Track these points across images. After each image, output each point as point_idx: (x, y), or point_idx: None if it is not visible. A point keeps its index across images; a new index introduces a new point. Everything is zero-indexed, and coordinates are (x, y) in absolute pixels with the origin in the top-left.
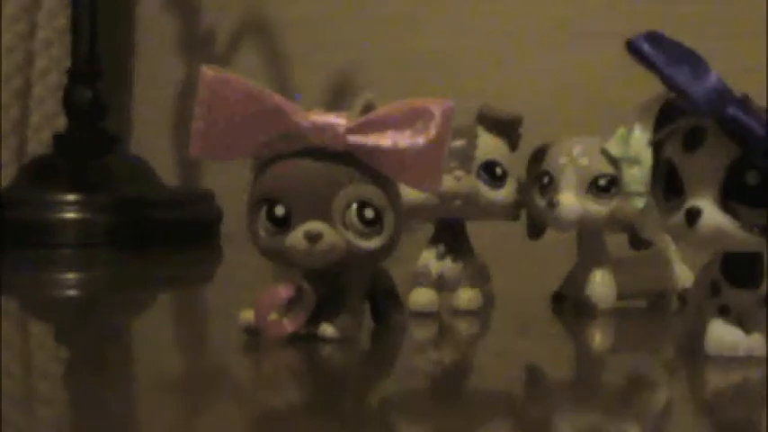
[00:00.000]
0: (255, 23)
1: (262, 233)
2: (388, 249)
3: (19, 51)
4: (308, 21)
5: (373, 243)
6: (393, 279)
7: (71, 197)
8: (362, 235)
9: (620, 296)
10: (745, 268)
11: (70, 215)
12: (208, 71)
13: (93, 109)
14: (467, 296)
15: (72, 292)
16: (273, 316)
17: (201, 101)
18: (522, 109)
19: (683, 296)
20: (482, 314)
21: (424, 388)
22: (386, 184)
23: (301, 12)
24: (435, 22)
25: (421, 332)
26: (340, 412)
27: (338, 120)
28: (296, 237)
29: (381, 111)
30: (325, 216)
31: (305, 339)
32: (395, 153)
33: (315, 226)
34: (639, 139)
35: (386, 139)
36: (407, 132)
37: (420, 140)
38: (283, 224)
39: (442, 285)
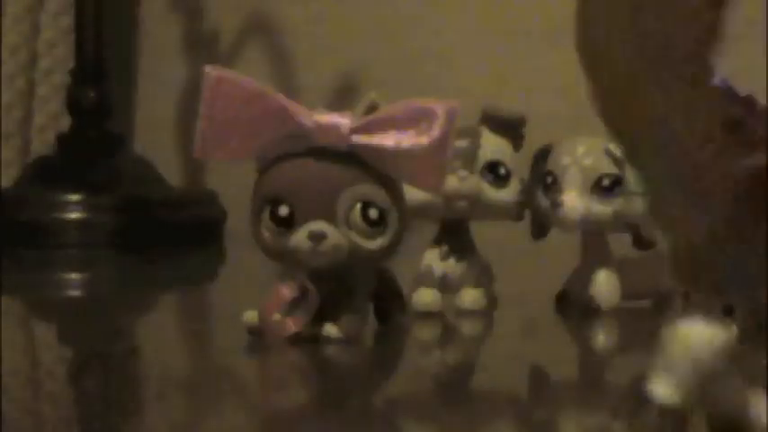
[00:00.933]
0: (259, 24)
1: (266, 233)
2: (391, 249)
3: (23, 51)
4: (311, 21)
5: (377, 243)
6: (396, 279)
7: (75, 197)
8: (366, 235)
9: (624, 296)
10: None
11: (74, 215)
12: (212, 71)
13: (98, 109)
14: (470, 296)
15: (76, 293)
16: (277, 316)
17: (206, 101)
18: (526, 109)
19: (686, 296)
20: (486, 314)
21: (427, 388)
22: (389, 183)
23: (305, 12)
24: (439, 23)
25: (424, 332)
26: (344, 412)
27: (342, 120)
28: (300, 237)
29: (385, 111)
30: (330, 216)
31: (309, 340)
32: (399, 153)
33: (319, 226)
34: None
35: (390, 139)
36: (411, 132)
37: (424, 140)
38: (287, 224)
39: (445, 285)
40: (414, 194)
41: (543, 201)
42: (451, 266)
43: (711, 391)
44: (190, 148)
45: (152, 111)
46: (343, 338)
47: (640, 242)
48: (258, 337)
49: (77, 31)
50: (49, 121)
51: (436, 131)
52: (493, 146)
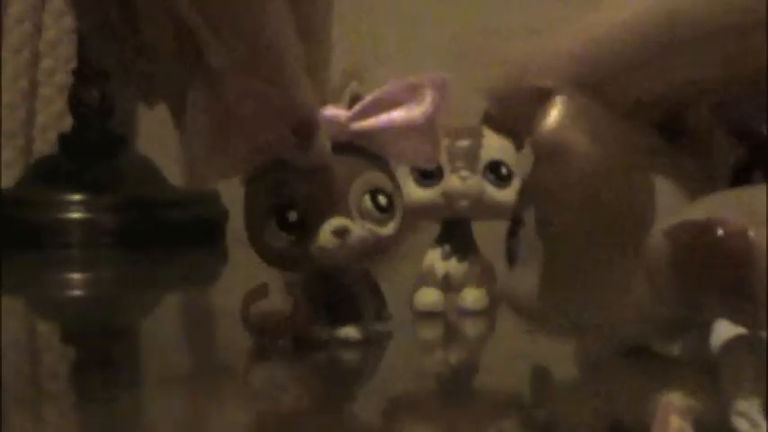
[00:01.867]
0: None
1: (276, 243)
2: (401, 234)
3: (25, 51)
4: None
5: (389, 229)
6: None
7: (77, 197)
8: (379, 222)
9: None
10: None
11: (76, 215)
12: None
13: (100, 109)
14: (473, 296)
15: (78, 293)
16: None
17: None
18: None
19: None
20: (488, 314)
21: (430, 388)
22: (387, 167)
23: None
24: (440, 23)
25: (426, 332)
26: (346, 412)
27: (338, 111)
28: (324, 236)
29: (376, 93)
30: (344, 210)
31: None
32: (397, 131)
33: (339, 222)
34: None
35: (386, 120)
36: (404, 109)
37: (418, 114)
38: (300, 229)
39: (447, 285)
40: (415, 194)
41: None
42: (453, 266)
43: None
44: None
45: (154, 111)
46: (362, 340)
47: None
48: (260, 338)
49: (80, 30)
50: (52, 121)
51: (429, 105)
52: (495, 146)
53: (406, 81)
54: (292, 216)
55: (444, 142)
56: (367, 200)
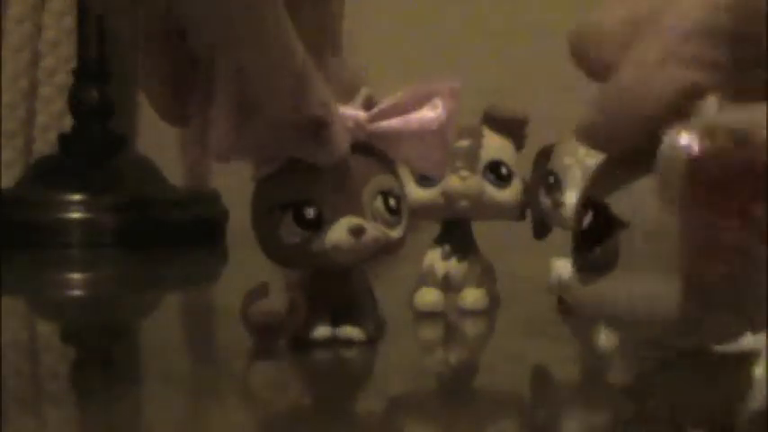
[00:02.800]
0: None
1: (289, 239)
2: (406, 237)
3: (25, 51)
4: None
5: (398, 231)
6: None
7: (77, 197)
8: (389, 224)
9: None
10: None
11: (76, 215)
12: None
13: (100, 109)
14: (473, 296)
15: (78, 293)
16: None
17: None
18: (528, 109)
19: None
20: (488, 314)
21: (430, 388)
22: (396, 170)
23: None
24: (441, 21)
25: (427, 332)
26: (347, 413)
27: (357, 112)
28: (339, 234)
29: (394, 98)
30: (359, 210)
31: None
32: (410, 137)
33: (355, 221)
34: None
35: (403, 123)
36: (418, 115)
37: (432, 121)
38: (315, 226)
39: (447, 285)
40: (415, 194)
41: (545, 201)
42: (453, 266)
43: None
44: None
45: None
46: (366, 340)
47: None
48: (258, 338)
49: (80, 30)
50: (52, 121)
51: (442, 111)
52: (495, 146)
53: (420, 87)
54: (309, 213)
55: None
56: (379, 201)
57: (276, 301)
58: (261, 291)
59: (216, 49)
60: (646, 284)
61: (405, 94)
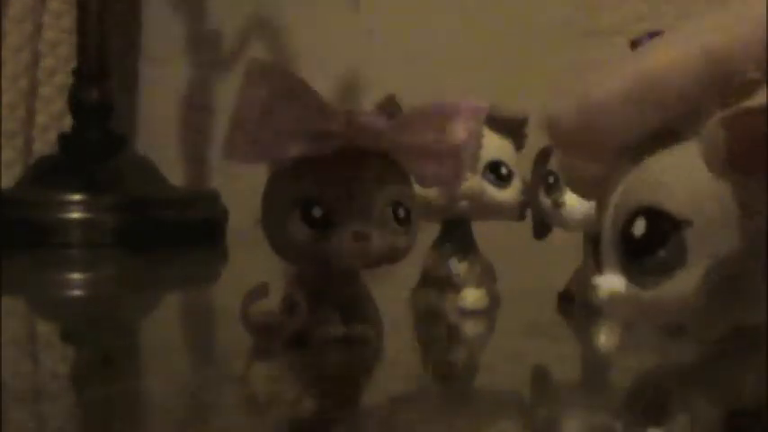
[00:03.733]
0: (261, 24)
1: (295, 237)
2: (411, 246)
3: (25, 51)
4: (313, 20)
5: (404, 241)
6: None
7: (77, 197)
8: (395, 233)
9: None
10: None
11: (76, 215)
12: (254, 59)
13: (100, 109)
14: (473, 296)
15: (78, 293)
16: (261, 319)
17: (243, 91)
18: (528, 109)
19: None
20: (488, 314)
21: (431, 389)
22: (409, 181)
23: (307, 11)
24: (441, 22)
25: (427, 332)
26: (346, 413)
27: (378, 119)
28: (344, 238)
29: (417, 110)
30: (367, 216)
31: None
32: (428, 151)
33: (362, 228)
34: None
35: (422, 138)
36: (441, 131)
37: (452, 139)
38: (323, 225)
39: (447, 285)
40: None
41: (545, 200)
42: (453, 266)
43: None
44: (192, 148)
45: (154, 111)
46: (375, 339)
47: None
48: (258, 338)
49: (80, 31)
50: (52, 121)
51: (464, 132)
52: (495, 146)
53: (446, 104)
54: (317, 212)
55: None
56: (388, 211)
57: (276, 302)
58: (261, 291)
59: None
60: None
61: (429, 108)
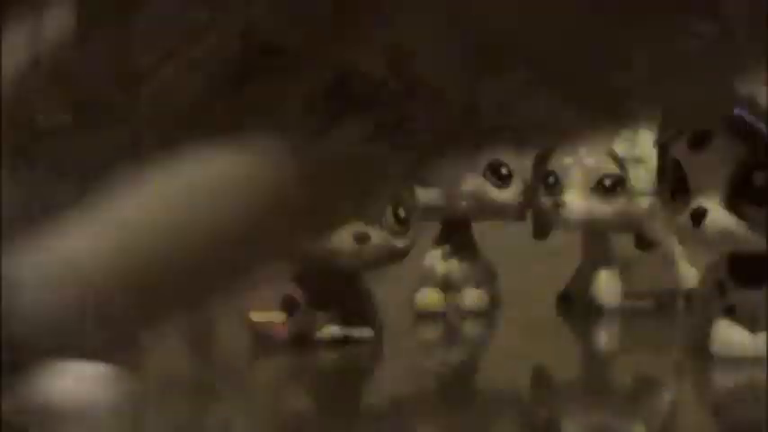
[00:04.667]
0: None
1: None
2: (411, 248)
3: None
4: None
5: (404, 242)
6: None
7: None
8: (396, 234)
9: (626, 296)
10: (752, 268)
11: None
12: None
13: None
14: (473, 296)
15: None
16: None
17: None
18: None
19: (689, 296)
20: (488, 314)
21: (431, 387)
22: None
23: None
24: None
25: (427, 332)
26: (347, 412)
27: None
28: (343, 238)
29: None
30: (367, 217)
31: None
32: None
33: (362, 227)
34: (645, 140)
35: None
36: None
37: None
38: None
39: (447, 285)
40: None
41: (545, 201)
42: (454, 266)
43: None
44: None
45: None
46: (374, 338)
47: (642, 242)
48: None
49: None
50: None
51: None
52: None
53: None
54: None
55: None
56: (390, 211)
57: (277, 302)
58: (262, 291)
59: None
60: None
61: None
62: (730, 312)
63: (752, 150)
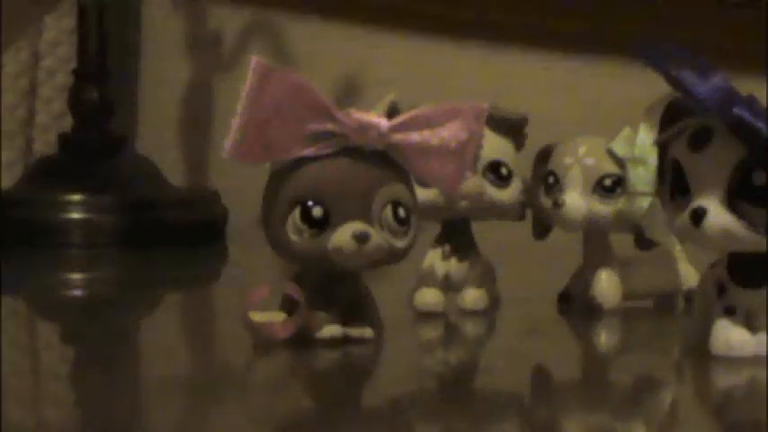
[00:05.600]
0: (262, 24)
1: (295, 236)
2: (411, 248)
3: (25, 51)
4: (314, 20)
5: (404, 242)
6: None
7: (77, 197)
8: (396, 234)
9: (626, 296)
10: (751, 268)
11: (76, 215)
12: (259, 60)
13: (100, 109)
14: (473, 296)
15: (78, 293)
16: (260, 317)
17: (250, 94)
18: (528, 109)
19: (688, 296)
20: (488, 314)
21: (431, 389)
22: (410, 181)
23: (308, 11)
24: (441, 22)
25: (427, 333)
26: (347, 412)
27: (380, 120)
28: (343, 238)
29: (418, 111)
30: (366, 216)
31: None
32: (429, 152)
33: (360, 227)
34: (645, 139)
35: (423, 138)
36: (442, 132)
37: (453, 140)
38: (321, 225)
39: (447, 286)
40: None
41: (545, 201)
42: (453, 266)
43: None
44: (192, 149)
45: (154, 111)
46: (374, 338)
47: (642, 242)
48: (261, 338)
49: (80, 30)
50: (52, 121)
51: (464, 132)
52: (495, 146)
53: (446, 105)
54: (317, 211)
55: None
56: (388, 210)
57: (276, 302)
58: (261, 291)
59: None
60: None
61: (430, 109)
62: (730, 312)
63: (752, 150)
